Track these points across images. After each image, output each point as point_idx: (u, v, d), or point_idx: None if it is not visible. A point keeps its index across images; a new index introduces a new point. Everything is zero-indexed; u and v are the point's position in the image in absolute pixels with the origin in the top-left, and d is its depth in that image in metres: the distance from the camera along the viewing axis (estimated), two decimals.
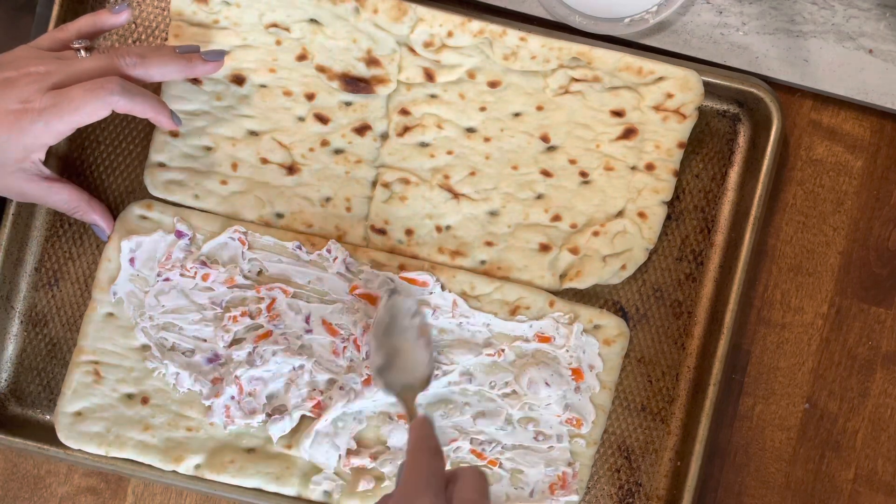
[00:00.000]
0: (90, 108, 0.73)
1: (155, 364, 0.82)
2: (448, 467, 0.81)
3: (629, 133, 0.82)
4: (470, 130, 0.83)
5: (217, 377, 0.82)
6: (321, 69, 0.83)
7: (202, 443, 0.82)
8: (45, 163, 0.77)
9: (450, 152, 0.83)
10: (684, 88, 0.81)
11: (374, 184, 0.83)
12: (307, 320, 0.82)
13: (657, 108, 0.82)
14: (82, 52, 0.76)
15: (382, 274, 0.82)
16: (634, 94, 0.82)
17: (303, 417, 0.82)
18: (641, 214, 0.83)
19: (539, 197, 0.83)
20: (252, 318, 0.82)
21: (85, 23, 0.78)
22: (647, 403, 0.85)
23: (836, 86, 0.84)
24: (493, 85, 0.83)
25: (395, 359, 0.79)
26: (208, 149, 0.83)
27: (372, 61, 0.82)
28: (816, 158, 0.86)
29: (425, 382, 0.79)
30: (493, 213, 0.83)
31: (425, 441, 0.67)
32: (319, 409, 0.81)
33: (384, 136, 0.83)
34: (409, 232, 0.83)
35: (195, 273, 0.82)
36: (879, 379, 0.86)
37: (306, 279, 0.83)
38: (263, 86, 0.83)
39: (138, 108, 0.75)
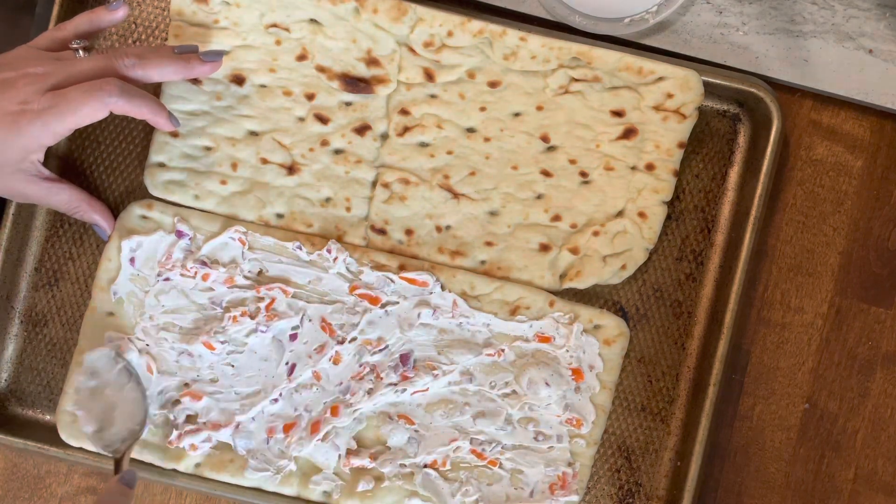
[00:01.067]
0: (88, 110, 0.73)
1: None
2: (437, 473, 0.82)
3: (629, 133, 0.82)
4: (470, 130, 0.83)
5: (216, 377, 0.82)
6: (321, 69, 0.83)
7: None
8: (45, 163, 0.78)
9: (450, 152, 0.83)
10: (684, 88, 0.81)
11: (374, 184, 0.83)
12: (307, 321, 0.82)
13: (657, 108, 0.82)
14: (80, 53, 0.76)
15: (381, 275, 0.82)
16: (634, 94, 0.82)
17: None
18: (641, 214, 0.83)
19: (539, 197, 0.83)
20: (252, 318, 0.82)
21: (82, 21, 0.78)
22: (647, 403, 0.85)
23: (836, 86, 0.84)
24: (493, 85, 0.83)
25: (109, 416, 0.79)
26: (208, 149, 0.83)
27: (372, 61, 0.82)
28: (816, 158, 0.86)
29: (143, 424, 0.80)
30: (493, 213, 0.83)
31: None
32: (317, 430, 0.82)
33: (384, 136, 0.83)
34: (409, 232, 0.83)
35: (195, 273, 0.82)
36: (879, 379, 0.86)
37: (306, 279, 0.83)
38: (263, 86, 0.83)
39: (136, 109, 0.75)
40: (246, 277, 0.83)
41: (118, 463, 0.78)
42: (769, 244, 0.86)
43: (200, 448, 0.81)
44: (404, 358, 0.82)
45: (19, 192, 0.78)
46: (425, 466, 0.82)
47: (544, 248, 0.83)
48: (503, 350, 0.83)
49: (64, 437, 0.82)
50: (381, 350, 0.82)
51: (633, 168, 0.83)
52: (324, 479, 0.82)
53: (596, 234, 0.83)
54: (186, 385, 0.82)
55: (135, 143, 0.85)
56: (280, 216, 0.83)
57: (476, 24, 0.81)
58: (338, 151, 0.83)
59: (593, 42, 0.82)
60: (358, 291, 0.82)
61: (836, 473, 0.86)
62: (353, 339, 0.82)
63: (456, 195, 0.83)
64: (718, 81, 0.82)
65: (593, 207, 0.83)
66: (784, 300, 0.86)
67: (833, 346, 0.86)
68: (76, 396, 0.79)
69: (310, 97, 0.83)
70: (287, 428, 0.82)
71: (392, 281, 0.82)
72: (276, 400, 0.82)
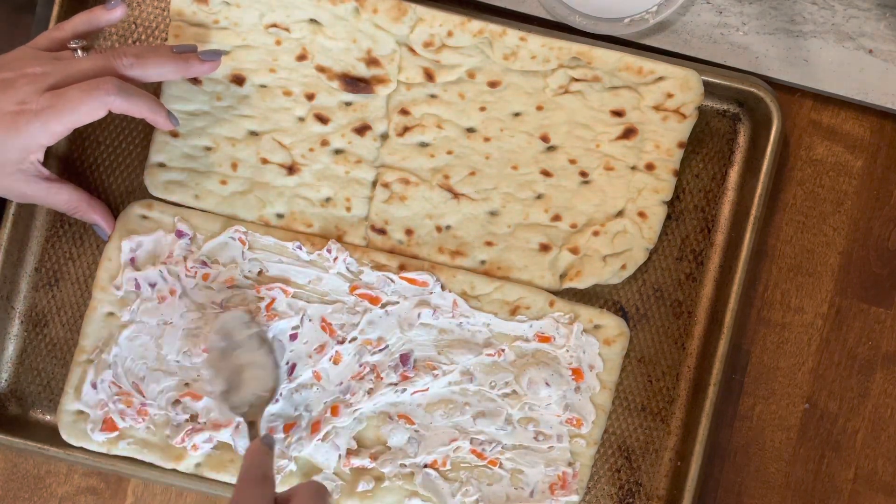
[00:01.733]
0: (87, 109, 0.73)
1: None
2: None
3: (629, 133, 0.82)
4: (470, 130, 0.83)
5: None
6: (321, 69, 0.83)
7: None
8: (45, 163, 0.78)
9: (450, 152, 0.83)
10: (684, 88, 0.81)
11: (374, 184, 0.83)
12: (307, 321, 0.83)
13: (657, 108, 0.82)
14: (79, 52, 0.76)
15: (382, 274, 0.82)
16: (634, 94, 0.82)
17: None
18: (641, 214, 0.83)
19: (539, 197, 0.83)
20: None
21: (80, 21, 0.78)
22: (648, 403, 0.85)
23: (836, 86, 0.84)
24: (492, 85, 0.83)
25: (238, 378, 0.79)
26: (208, 149, 0.83)
27: (372, 61, 0.82)
28: (816, 158, 0.86)
29: (273, 392, 0.80)
30: (493, 213, 0.83)
31: (254, 469, 0.68)
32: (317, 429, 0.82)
33: (384, 136, 0.83)
34: (409, 232, 0.83)
35: (195, 273, 0.82)
36: (879, 379, 0.86)
37: (306, 279, 0.83)
38: (263, 86, 0.83)
39: (135, 108, 0.75)
40: (246, 277, 0.83)
41: (252, 425, 0.78)
42: (769, 244, 0.86)
43: (201, 448, 0.81)
44: (404, 358, 0.82)
45: (19, 192, 0.78)
46: (425, 466, 0.82)
47: (544, 247, 0.83)
48: (503, 350, 0.83)
49: (65, 436, 0.82)
50: (381, 350, 0.82)
51: (633, 168, 0.83)
52: (324, 478, 0.82)
53: (596, 233, 0.83)
54: (186, 385, 0.82)
55: (135, 143, 0.85)
56: (280, 216, 0.83)
57: (476, 24, 0.81)
58: (338, 151, 0.83)
59: (593, 42, 0.82)
60: (358, 291, 0.82)
61: (836, 473, 0.86)
62: (354, 339, 0.82)
63: (456, 195, 0.83)
64: (718, 81, 0.82)
65: (593, 207, 0.83)
66: (784, 300, 0.86)
67: (833, 346, 0.86)
68: (209, 356, 0.80)
69: (310, 97, 0.83)
70: (287, 428, 0.82)
71: (392, 281, 0.82)
72: (276, 400, 0.82)
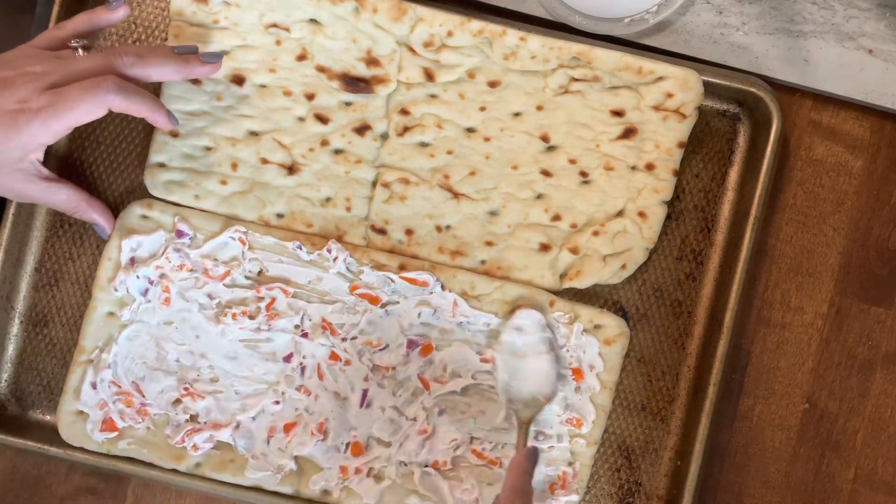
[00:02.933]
0: (87, 107, 0.73)
1: None
2: None
3: (629, 133, 0.82)
4: (470, 130, 0.83)
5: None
6: (321, 69, 0.83)
7: None
8: (45, 163, 0.78)
9: (450, 152, 0.83)
10: (684, 88, 0.81)
11: (374, 184, 0.83)
12: (307, 320, 0.83)
13: (657, 108, 0.82)
14: (80, 52, 0.76)
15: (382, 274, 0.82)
16: (634, 94, 0.82)
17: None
18: (641, 214, 0.83)
19: (539, 197, 0.83)
20: (252, 318, 0.82)
21: (81, 20, 0.78)
22: (647, 403, 0.85)
23: (836, 86, 0.84)
24: (492, 85, 0.83)
25: (520, 370, 0.81)
26: (208, 149, 0.83)
27: (372, 61, 0.82)
28: (816, 158, 0.86)
29: (549, 399, 0.81)
30: (493, 213, 0.83)
31: (522, 481, 0.72)
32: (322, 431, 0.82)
33: (384, 136, 0.83)
34: (409, 232, 0.83)
35: (194, 270, 0.82)
36: (879, 379, 0.86)
37: (306, 279, 0.83)
38: (263, 86, 0.83)
39: (135, 107, 0.74)
40: (246, 277, 0.83)
41: (522, 427, 0.80)
42: (769, 244, 0.86)
43: (202, 448, 0.81)
44: (411, 343, 0.82)
45: (19, 192, 0.78)
46: (425, 466, 0.82)
47: (544, 247, 0.83)
48: None
49: (64, 436, 0.82)
50: (381, 350, 0.82)
51: (633, 168, 0.83)
52: (324, 478, 0.82)
53: (596, 233, 0.83)
54: (187, 385, 0.82)
55: (135, 143, 0.85)
56: (280, 216, 0.83)
57: (476, 24, 0.81)
58: (338, 151, 0.83)
59: (593, 42, 0.82)
60: (358, 291, 0.82)
61: (836, 473, 0.86)
62: (354, 339, 0.82)
63: (456, 195, 0.83)
64: (718, 81, 0.82)
65: (593, 207, 0.83)
66: (784, 300, 0.86)
67: (833, 346, 0.86)
68: (501, 346, 0.81)
69: (310, 97, 0.83)
70: (287, 427, 0.82)
71: (392, 281, 0.82)
72: (277, 402, 0.82)
